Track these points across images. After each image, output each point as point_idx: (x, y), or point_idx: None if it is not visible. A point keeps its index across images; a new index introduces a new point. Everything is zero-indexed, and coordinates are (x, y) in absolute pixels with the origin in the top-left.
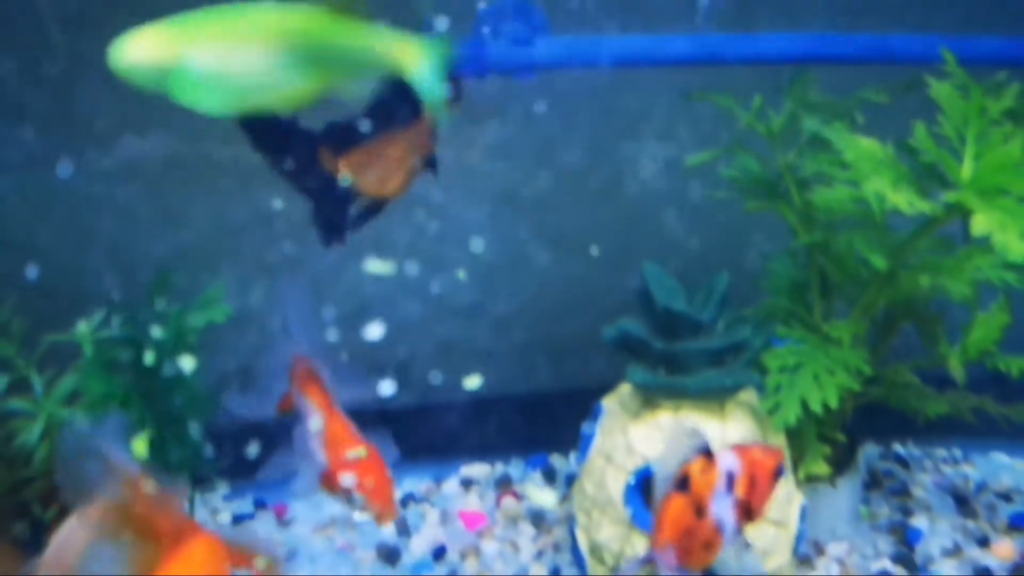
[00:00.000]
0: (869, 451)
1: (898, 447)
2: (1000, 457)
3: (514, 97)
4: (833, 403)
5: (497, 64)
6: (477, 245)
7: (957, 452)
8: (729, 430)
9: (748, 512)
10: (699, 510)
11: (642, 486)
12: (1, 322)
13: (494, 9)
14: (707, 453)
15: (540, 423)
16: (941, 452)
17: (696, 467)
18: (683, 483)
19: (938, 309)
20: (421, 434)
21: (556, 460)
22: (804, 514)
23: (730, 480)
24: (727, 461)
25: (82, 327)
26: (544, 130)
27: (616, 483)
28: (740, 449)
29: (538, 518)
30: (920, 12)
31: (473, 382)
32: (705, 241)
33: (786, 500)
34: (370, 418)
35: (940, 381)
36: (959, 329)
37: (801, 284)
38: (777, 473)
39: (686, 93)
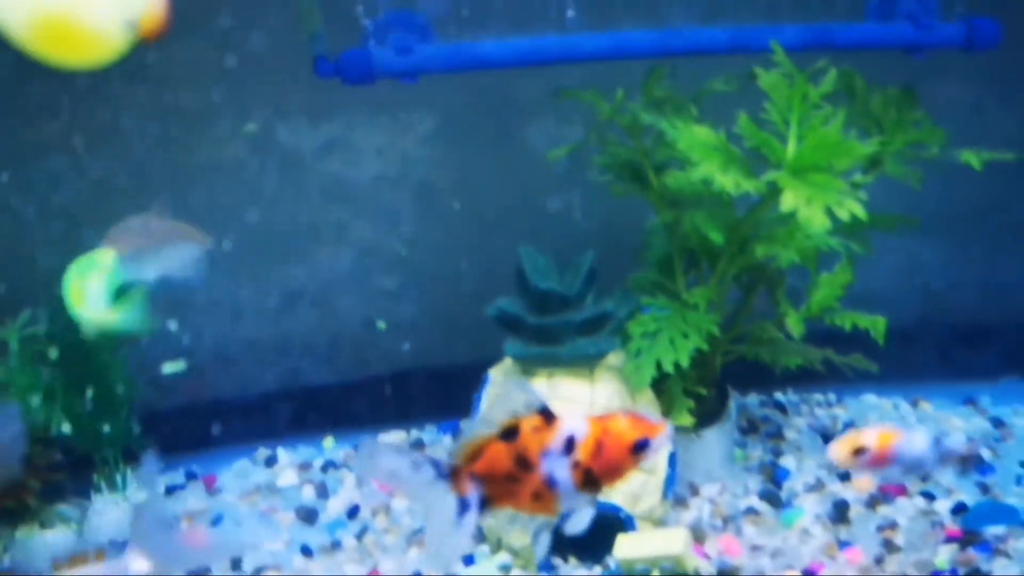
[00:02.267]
0: (751, 400)
1: (779, 395)
2: (870, 398)
3: (436, 89)
4: (685, 363)
5: (382, 70)
6: (403, 229)
7: (832, 396)
8: (598, 392)
9: (591, 477)
10: (524, 463)
11: None
12: None
13: (380, 21)
14: (545, 414)
15: (455, 392)
16: (818, 397)
17: (529, 423)
18: (510, 434)
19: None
20: (344, 406)
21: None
22: (673, 461)
23: (570, 443)
24: (569, 425)
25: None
26: (459, 121)
27: None
28: (599, 418)
29: None
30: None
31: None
32: (605, 216)
33: None
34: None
35: (808, 334)
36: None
37: (667, 257)
38: (637, 447)
39: (558, 90)
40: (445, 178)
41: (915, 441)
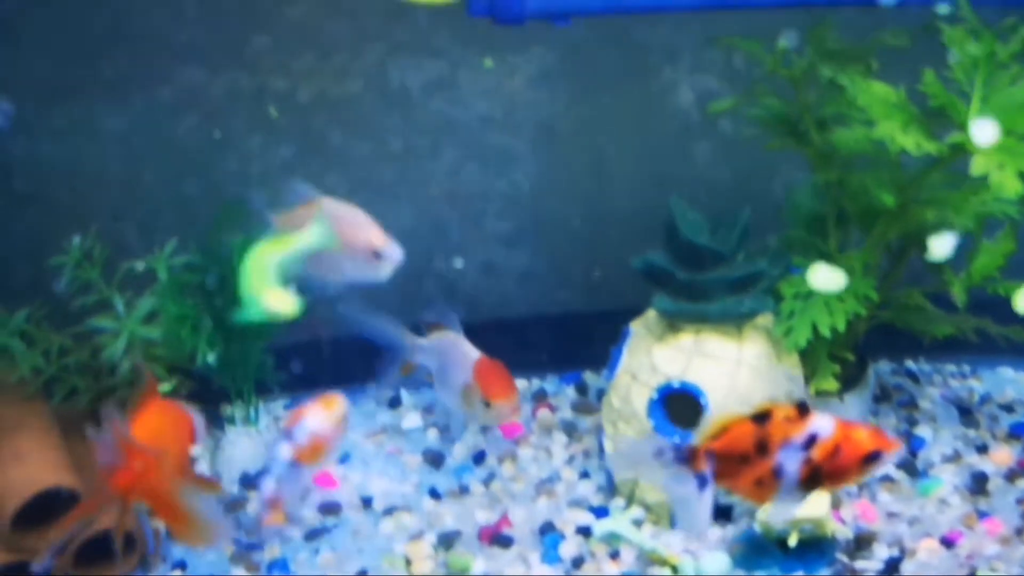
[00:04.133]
0: (882, 367)
1: (910, 363)
2: (1006, 371)
3: (554, 28)
4: (841, 327)
5: (535, 10)
6: (519, 173)
7: (966, 367)
8: (745, 351)
9: (816, 476)
10: (763, 447)
11: (664, 401)
12: (85, 249)
13: None
14: (800, 407)
15: (574, 342)
16: (951, 368)
17: (782, 412)
18: (761, 417)
19: None
20: None
21: (588, 377)
22: None
23: (811, 440)
24: (818, 424)
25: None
26: (582, 61)
27: (640, 398)
28: (845, 423)
29: (570, 428)
30: None
31: None
32: (735, 170)
33: None
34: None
35: (949, 303)
36: (967, 249)
37: (819, 216)
38: (870, 458)
39: (714, 36)
40: (565, 123)
41: None
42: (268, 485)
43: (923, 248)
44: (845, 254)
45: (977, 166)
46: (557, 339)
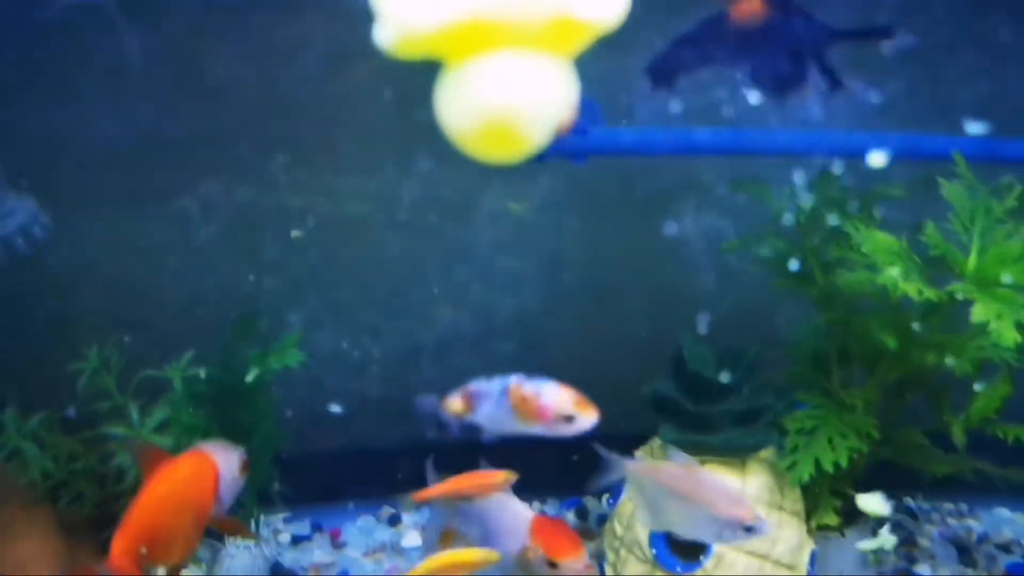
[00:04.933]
0: None
1: (909, 500)
2: (1003, 512)
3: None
4: (844, 464)
5: (554, 150)
6: (523, 296)
7: (963, 506)
8: (748, 484)
9: None
10: None
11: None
12: (103, 358)
13: None
14: None
15: (575, 467)
16: (948, 506)
17: None
18: None
19: (947, 377)
20: (466, 469)
21: (589, 502)
22: (814, 559)
23: None
24: None
25: (174, 365)
26: (588, 187)
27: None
28: None
29: None
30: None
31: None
32: (738, 299)
33: (798, 546)
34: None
35: (948, 442)
36: (966, 391)
37: (822, 354)
38: None
39: (731, 179)
40: (570, 249)
41: None
42: (476, 381)
43: (922, 387)
44: (847, 392)
45: (977, 315)
46: (557, 461)
